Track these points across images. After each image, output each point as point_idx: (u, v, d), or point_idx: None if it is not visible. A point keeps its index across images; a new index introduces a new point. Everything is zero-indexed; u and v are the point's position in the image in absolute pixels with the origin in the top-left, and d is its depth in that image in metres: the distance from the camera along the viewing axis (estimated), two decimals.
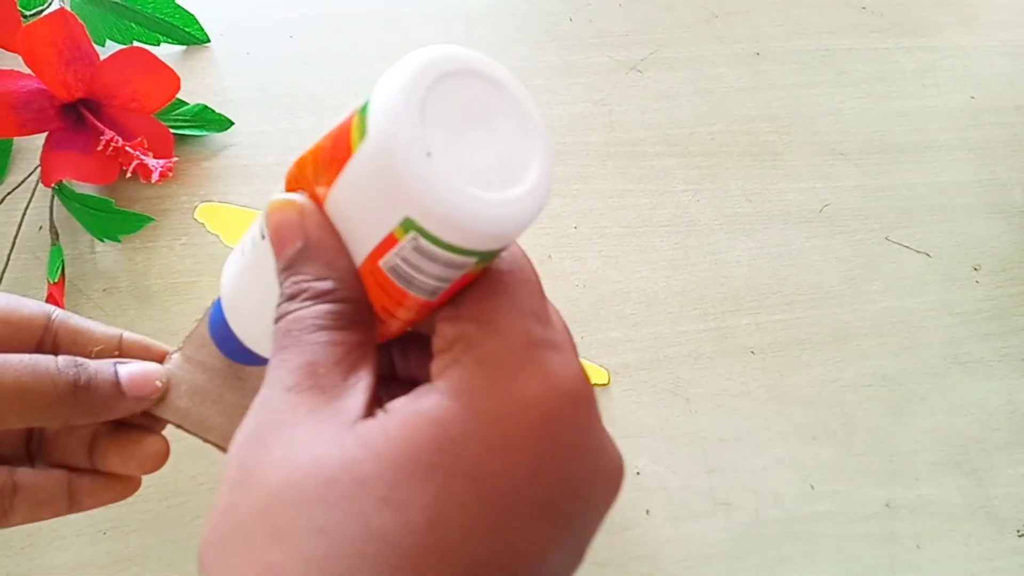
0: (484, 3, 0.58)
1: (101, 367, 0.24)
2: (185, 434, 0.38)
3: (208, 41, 0.53)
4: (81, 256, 0.44)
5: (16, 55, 0.40)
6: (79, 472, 0.26)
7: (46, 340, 0.25)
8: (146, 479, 0.37)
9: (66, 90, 0.41)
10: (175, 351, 0.26)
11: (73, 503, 0.25)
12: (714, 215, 0.49)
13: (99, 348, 0.25)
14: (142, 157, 0.42)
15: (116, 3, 0.49)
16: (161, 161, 0.43)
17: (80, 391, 0.23)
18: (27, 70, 0.41)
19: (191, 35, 0.52)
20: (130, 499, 0.36)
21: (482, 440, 0.16)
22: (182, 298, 0.42)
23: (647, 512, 0.38)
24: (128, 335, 0.26)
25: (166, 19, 0.51)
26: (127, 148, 0.42)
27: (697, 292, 0.45)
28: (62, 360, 0.23)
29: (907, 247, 0.49)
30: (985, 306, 0.47)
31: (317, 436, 0.17)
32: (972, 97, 0.57)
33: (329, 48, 0.54)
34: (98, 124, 0.42)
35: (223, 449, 0.26)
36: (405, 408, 0.17)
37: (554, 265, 0.46)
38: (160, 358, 0.26)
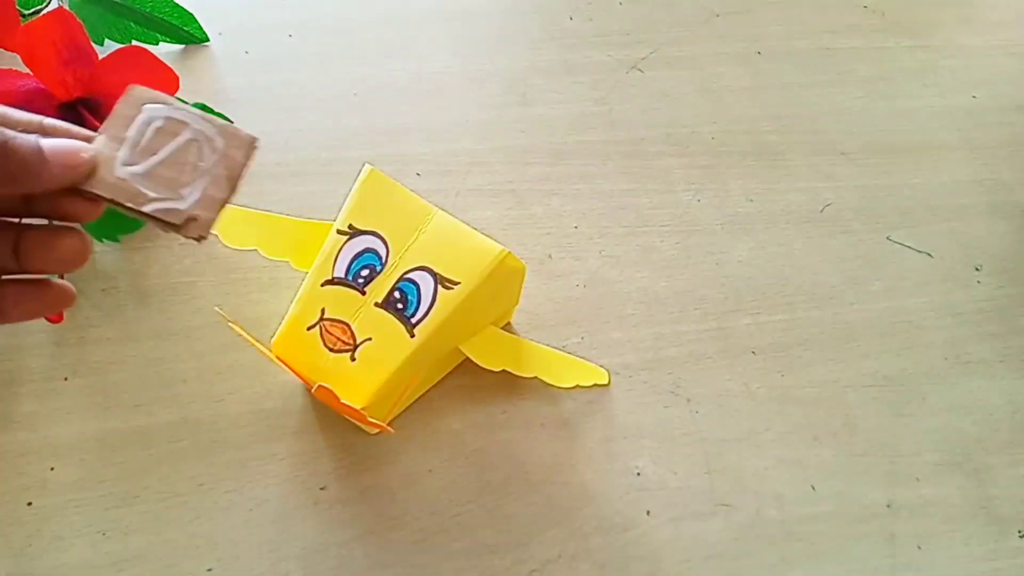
0: (484, 3, 0.58)
1: (22, 134, 0.24)
2: (179, 438, 0.38)
3: (207, 40, 0.53)
4: None
5: (15, 54, 0.40)
6: (5, 282, 0.25)
7: None
8: (145, 480, 0.37)
9: (65, 89, 0.41)
10: (99, 133, 0.26)
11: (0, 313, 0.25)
12: (715, 215, 0.49)
13: (20, 128, 0.25)
14: None
15: (115, 2, 0.49)
16: None
17: None
18: (26, 69, 0.40)
19: (190, 34, 0.52)
20: (130, 500, 0.36)
21: None
22: (181, 298, 0.42)
23: (647, 513, 0.38)
24: (49, 120, 0.26)
25: (165, 18, 0.51)
26: None
27: (698, 292, 0.45)
28: None
29: (908, 247, 0.49)
30: (986, 306, 0.46)
31: None
32: (974, 97, 0.57)
33: (329, 47, 0.54)
34: (97, 123, 0.42)
35: (159, 221, 0.25)
36: None
37: (554, 265, 0.45)
38: (85, 139, 0.26)
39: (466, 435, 0.39)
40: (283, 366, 0.35)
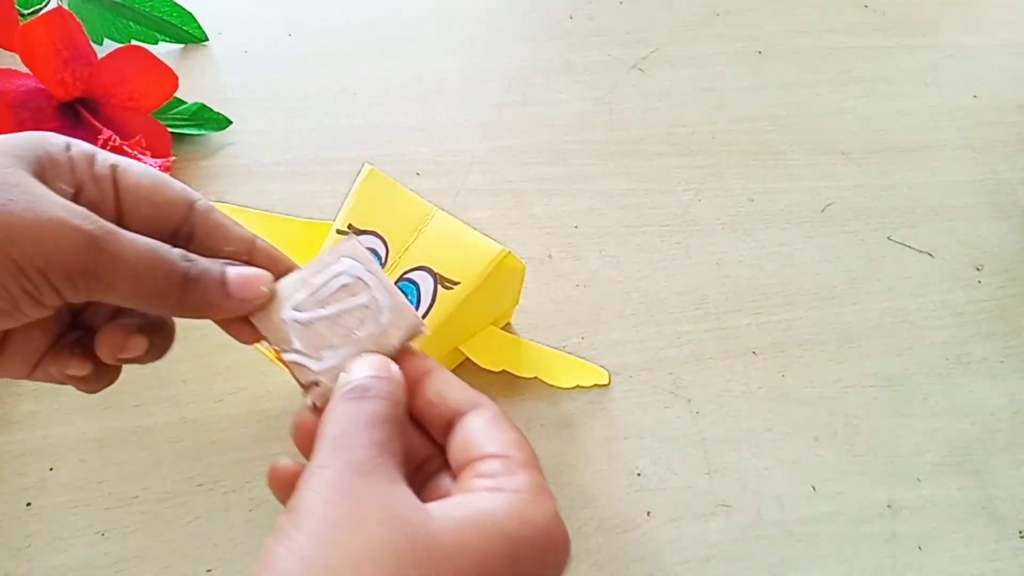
0: (484, 3, 0.58)
1: (211, 265, 0.24)
2: (179, 438, 0.38)
3: (206, 40, 0.53)
4: None
5: (14, 54, 0.40)
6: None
7: (183, 227, 0.25)
8: (144, 481, 0.37)
9: (64, 89, 0.41)
10: (298, 271, 0.26)
11: (33, 370, 0.27)
12: (715, 214, 0.48)
13: (230, 248, 0.26)
14: (140, 156, 0.42)
15: (114, 2, 0.49)
16: (159, 160, 0.43)
17: (188, 284, 0.24)
18: (25, 69, 0.40)
19: (189, 34, 0.52)
20: (129, 500, 0.36)
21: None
22: None
23: (648, 513, 0.38)
24: (261, 241, 0.26)
25: (164, 18, 0.51)
26: (125, 147, 0.42)
27: (698, 292, 0.45)
28: (178, 252, 0.24)
29: (909, 247, 0.49)
30: (988, 306, 0.46)
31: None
32: (974, 96, 0.57)
33: (328, 47, 0.54)
34: (96, 123, 0.42)
35: (296, 377, 0.25)
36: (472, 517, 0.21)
37: (554, 265, 0.45)
38: (285, 270, 0.26)
39: None
40: (283, 367, 0.35)
